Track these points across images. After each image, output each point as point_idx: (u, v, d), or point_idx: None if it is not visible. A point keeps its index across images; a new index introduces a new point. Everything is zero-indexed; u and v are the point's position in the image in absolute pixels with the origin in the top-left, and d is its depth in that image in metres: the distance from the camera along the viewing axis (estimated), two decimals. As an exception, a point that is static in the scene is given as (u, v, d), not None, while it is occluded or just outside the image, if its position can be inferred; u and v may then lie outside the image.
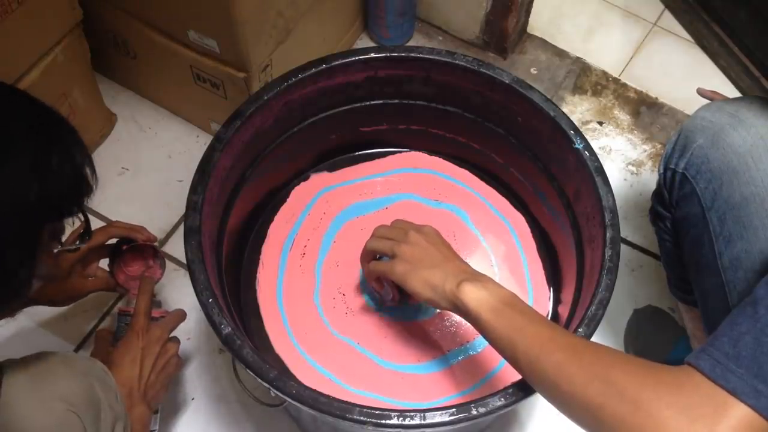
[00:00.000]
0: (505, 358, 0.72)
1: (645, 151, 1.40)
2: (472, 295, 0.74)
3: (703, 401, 0.56)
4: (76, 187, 0.64)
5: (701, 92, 1.04)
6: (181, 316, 0.94)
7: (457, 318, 0.96)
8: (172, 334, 0.93)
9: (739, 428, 0.55)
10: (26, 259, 0.61)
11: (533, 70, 1.48)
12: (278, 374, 0.77)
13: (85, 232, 0.73)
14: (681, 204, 0.91)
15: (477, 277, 0.78)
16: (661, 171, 0.93)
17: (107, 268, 1.00)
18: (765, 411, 0.55)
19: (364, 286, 0.99)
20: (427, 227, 0.86)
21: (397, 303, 0.94)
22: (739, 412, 0.55)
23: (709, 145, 0.87)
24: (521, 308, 0.73)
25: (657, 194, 0.97)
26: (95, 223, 0.97)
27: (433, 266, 0.80)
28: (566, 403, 0.65)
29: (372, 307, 0.98)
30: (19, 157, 0.58)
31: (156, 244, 1.01)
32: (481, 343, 0.96)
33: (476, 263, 1.02)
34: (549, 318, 1.01)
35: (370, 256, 0.90)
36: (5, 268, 0.59)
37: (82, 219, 0.71)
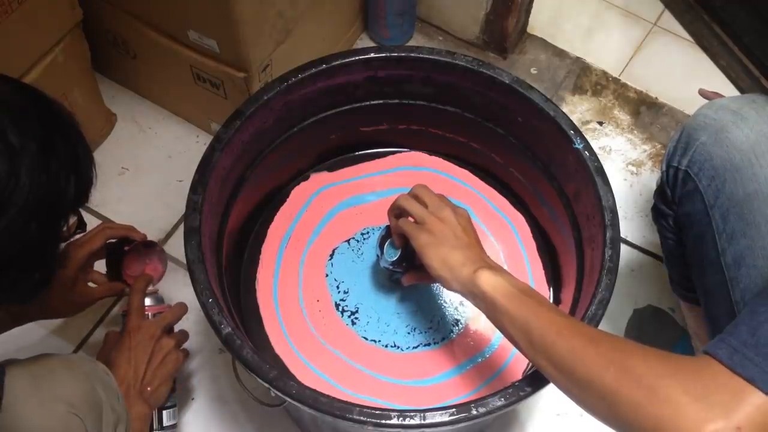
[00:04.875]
0: (517, 344, 0.72)
1: (645, 151, 1.40)
2: (489, 280, 0.74)
3: (720, 389, 0.56)
4: (89, 180, 0.67)
5: (703, 93, 1.04)
6: (180, 311, 0.94)
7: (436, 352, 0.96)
8: (178, 328, 0.93)
9: (756, 416, 0.55)
10: (57, 247, 0.66)
11: (533, 70, 1.48)
12: (278, 374, 0.77)
13: (79, 224, 0.74)
14: (684, 201, 0.91)
15: (496, 266, 0.78)
16: (664, 168, 0.93)
17: (104, 272, 1.00)
18: None
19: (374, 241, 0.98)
20: (463, 210, 0.85)
21: (393, 268, 0.92)
22: (756, 399, 0.55)
23: (711, 143, 0.87)
24: (537, 297, 0.74)
25: (659, 192, 0.97)
26: (96, 224, 0.97)
27: (455, 247, 0.80)
28: (581, 389, 0.64)
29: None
30: (61, 151, 0.62)
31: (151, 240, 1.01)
32: (480, 356, 0.96)
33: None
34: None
35: (397, 210, 0.88)
36: (44, 257, 0.63)
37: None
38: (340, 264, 1.02)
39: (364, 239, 1.03)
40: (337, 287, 1.00)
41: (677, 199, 0.92)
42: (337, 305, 0.99)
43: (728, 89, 1.48)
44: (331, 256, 1.03)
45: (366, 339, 0.97)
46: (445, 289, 0.98)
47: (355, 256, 1.02)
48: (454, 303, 0.99)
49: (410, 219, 0.86)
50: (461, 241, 0.81)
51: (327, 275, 1.01)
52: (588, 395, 0.64)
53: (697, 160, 0.88)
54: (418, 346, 0.96)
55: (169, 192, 1.30)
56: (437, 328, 0.97)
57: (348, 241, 1.03)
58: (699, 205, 0.87)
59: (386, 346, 0.96)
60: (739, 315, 0.63)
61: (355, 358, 0.95)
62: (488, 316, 0.76)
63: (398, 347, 0.96)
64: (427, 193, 0.86)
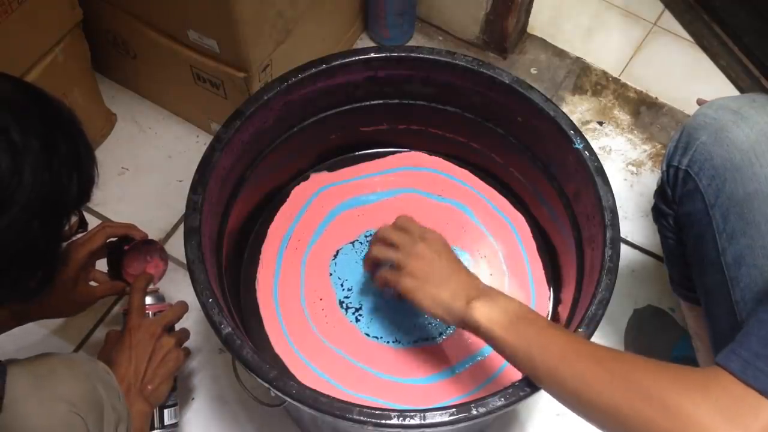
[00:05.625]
0: (524, 371, 0.73)
1: (645, 151, 1.40)
2: (483, 312, 0.75)
3: (735, 402, 0.57)
4: (91, 178, 0.68)
5: (701, 103, 1.04)
6: (181, 309, 0.94)
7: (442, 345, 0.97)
8: (179, 327, 0.93)
9: None
10: (59, 245, 0.66)
11: (533, 70, 1.48)
12: (278, 374, 0.77)
13: (81, 223, 0.74)
14: (684, 201, 0.91)
15: (485, 292, 0.78)
16: (664, 168, 0.93)
17: (105, 271, 1.00)
18: None
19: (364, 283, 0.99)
20: (433, 234, 0.85)
21: (398, 299, 0.93)
22: None
23: (711, 142, 0.87)
24: (533, 319, 0.74)
25: (659, 192, 0.97)
26: (96, 224, 0.97)
27: (440, 283, 0.80)
28: (590, 411, 0.65)
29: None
30: (63, 149, 0.62)
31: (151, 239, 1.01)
32: (479, 354, 0.97)
33: (485, 260, 1.03)
34: (549, 318, 1.01)
35: (373, 260, 0.89)
36: (46, 255, 0.64)
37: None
38: (344, 264, 1.02)
39: (367, 241, 1.04)
40: (341, 285, 1.01)
41: (677, 199, 0.92)
42: (341, 303, 0.99)
43: (728, 89, 1.48)
44: (335, 255, 1.03)
45: (368, 335, 0.97)
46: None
47: (358, 257, 1.03)
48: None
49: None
50: (443, 272, 0.81)
51: (331, 274, 1.01)
52: (597, 416, 0.64)
53: (697, 160, 0.88)
54: (418, 340, 0.97)
55: (169, 192, 1.30)
56: (436, 324, 0.98)
57: (352, 243, 1.04)
58: (699, 205, 0.87)
59: (388, 342, 0.97)
60: (746, 324, 0.63)
61: (357, 355, 0.95)
62: (490, 346, 0.76)
63: (399, 342, 0.97)
64: (394, 233, 0.87)
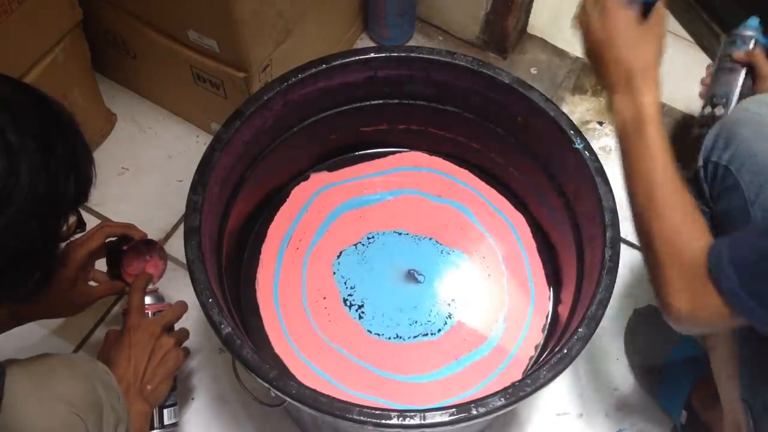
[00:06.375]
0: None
1: (645, 151, 1.39)
2: (617, 106, 0.80)
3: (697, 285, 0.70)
4: (88, 178, 0.68)
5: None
6: (180, 309, 0.94)
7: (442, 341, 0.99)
8: (179, 326, 0.94)
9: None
10: (56, 246, 0.66)
11: (533, 70, 1.48)
12: (278, 374, 0.77)
13: (79, 224, 0.74)
14: (722, 197, 0.88)
15: (631, 85, 0.81)
16: (701, 164, 0.91)
17: (104, 271, 1.00)
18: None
19: None
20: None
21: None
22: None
23: (754, 138, 0.85)
24: (648, 135, 0.77)
25: (693, 188, 0.94)
26: (96, 224, 0.97)
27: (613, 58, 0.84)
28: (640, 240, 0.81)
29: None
30: (60, 150, 0.62)
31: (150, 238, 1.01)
32: (478, 353, 0.97)
33: (484, 261, 1.04)
34: (549, 317, 1.01)
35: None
36: (44, 256, 0.64)
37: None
38: (347, 264, 1.03)
39: (369, 243, 1.04)
40: (345, 283, 1.01)
41: (716, 195, 0.90)
42: (345, 300, 1.00)
43: (728, 89, 1.48)
44: (339, 255, 1.03)
45: (371, 332, 0.98)
46: (441, 287, 1.02)
47: (360, 258, 1.03)
48: (447, 300, 1.01)
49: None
50: (619, 43, 0.85)
51: (334, 273, 1.02)
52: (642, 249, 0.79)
53: (739, 155, 0.85)
54: (418, 336, 0.98)
55: (169, 192, 1.30)
56: (435, 321, 0.99)
57: (355, 245, 1.04)
58: (736, 202, 0.85)
59: (389, 339, 0.98)
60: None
61: (358, 353, 0.96)
62: None
63: (400, 338, 0.98)
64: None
